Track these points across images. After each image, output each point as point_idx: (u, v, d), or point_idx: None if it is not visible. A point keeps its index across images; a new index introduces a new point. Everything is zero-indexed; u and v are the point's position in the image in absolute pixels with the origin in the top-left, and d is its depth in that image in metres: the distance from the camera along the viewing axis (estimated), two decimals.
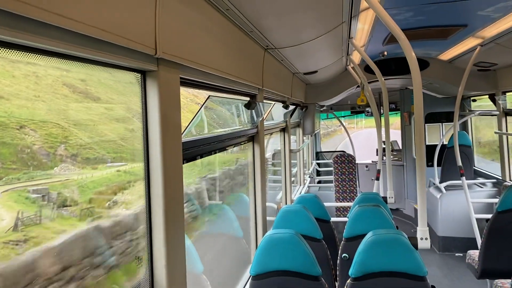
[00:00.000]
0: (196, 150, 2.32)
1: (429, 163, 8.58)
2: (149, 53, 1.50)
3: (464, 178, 6.24)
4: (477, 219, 6.11)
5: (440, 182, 7.80)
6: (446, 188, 7.48)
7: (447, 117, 9.55)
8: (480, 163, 8.77)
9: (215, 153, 2.86)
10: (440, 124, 9.79)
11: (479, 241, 5.89)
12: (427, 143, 9.66)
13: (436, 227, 7.44)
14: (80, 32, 1.13)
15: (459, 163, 6.18)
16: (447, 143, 8.54)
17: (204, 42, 2.14)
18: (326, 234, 4.01)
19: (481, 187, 7.57)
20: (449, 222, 7.28)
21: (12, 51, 1.02)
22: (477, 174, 8.37)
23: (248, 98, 3.46)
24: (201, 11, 2.03)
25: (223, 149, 3.06)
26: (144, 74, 1.63)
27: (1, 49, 0.99)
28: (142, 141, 1.66)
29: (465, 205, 6.34)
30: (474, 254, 4.86)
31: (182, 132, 1.93)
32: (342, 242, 3.62)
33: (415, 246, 2.68)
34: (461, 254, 7.10)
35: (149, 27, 1.49)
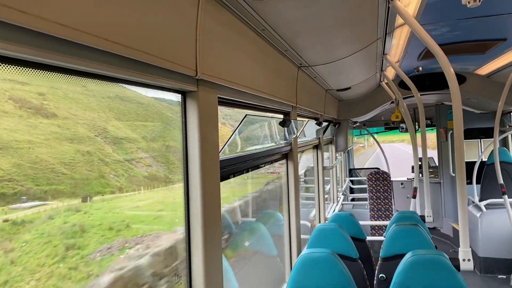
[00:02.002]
0: (232, 168, 2.34)
1: (468, 180, 8.29)
2: (190, 74, 1.54)
3: (506, 196, 5.98)
4: None
5: (480, 200, 7.51)
6: (487, 206, 7.19)
7: (485, 133, 9.25)
8: None
9: (250, 170, 2.87)
10: (479, 140, 9.48)
11: None
12: (465, 160, 9.35)
13: (476, 247, 7.14)
14: (127, 56, 1.18)
15: (501, 180, 5.95)
16: (486, 159, 8.25)
17: (241, 61, 2.18)
18: (362, 254, 3.93)
19: None
20: (491, 242, 6.97)
21: (72, 76, 1.09)
22: None
23: (282, 116, 3.48)
24: (238, 32, 2.08)
25: (257, 166, 3.08)
26: (184, 94, 1.68)
27: (51, 73, 1.05)
28: (182, 160, 1.70)
29: (507, 224, 6.07)
30: None
31: (219, 150, 1.97)
32: (379, 262, 3.53)
33: (457, 267, 2.58)
34: (505, 276, 6.77)
35: (190, 50, 1.53)
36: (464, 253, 2.64)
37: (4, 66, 0.91)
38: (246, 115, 2.46)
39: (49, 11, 0.88)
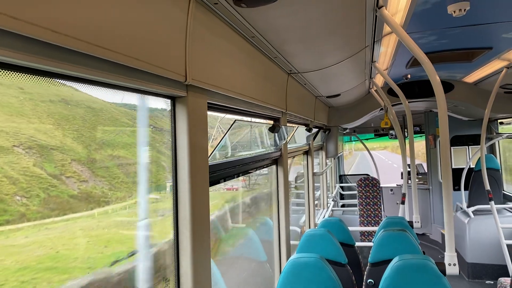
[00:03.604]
0: (221, 173, 2.36)
1: (456, 187, 8.40)
2: (180, 80, 1.57)
3: (493, 202, 6.07)
4: (508, 245, 5.90)
5: (468, 207, 7.60)
6: (474, 212, 7.28)
7: (474, 140, 9.37)
8: (510, 186, 8.52)
9: (240, 176, 2.89)
10: (467, 147, 9.60)
11: (510, 268, 5.68)
12: (453, 167, 9.47)
13: (464, 253, 7.22)
14: (116, 61, 1.20)
15: (487, 187, 6.03)
16: (474, 166, 8.36)
17: (230, 68, 2.20)
18: (351, 259, 3.96)
19: (511, 212, 7.34)
20: (478, 248, 7.05)
21: (63, 81, 1.10)
22: (507, 198, 8.13)
23: (272, 122, 3.51)
24: (228, 38, 2.11)
25: (247, 172, 3.10)
26: (174, 100, 1.70)
27: (48, 78, 1.06)
28: (171, 164, 1.71)
29: (494, 231, 6.15)
30: (506, 281, 4.68)
31: (209, 155, 1.98)
32: (368, 267, 3.56)
33: (443, 272, 2.61)
34: (492, 282, 6.84)
35: (180, 55, 1.56)
36: (449, 257, 2.68)
37: None
38: (235, 120, 2.48)
39: (40, 17, 0.90)
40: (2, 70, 0.93)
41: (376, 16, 2.61)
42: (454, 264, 2.65)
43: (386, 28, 3.12)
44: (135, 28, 1.28)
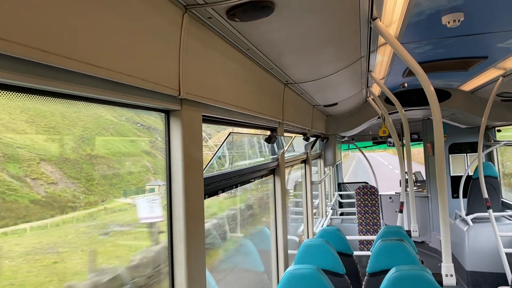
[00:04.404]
0: (217, 185, 2.36)
1: (455, 194, 8.39)
2: (173, 94, 1.57)
3: (491, 210, 6.06)
4: (507, 253, 5.88)
5: (467, 214, 7.58)
6: (473, 220, 7.26)
7: (472, 148, 9.38)
8: (508, 194, 8.51)
9: (236, 187, 2.89)
10: (465, 154, 9.61)
11: (509, 276, 5.65)
12: (452, 174, 9.46)
13: (463, 261, 7.19)
14: (109, 78, 1.20)
15: (485, 195, 6.02)
16: (472, 174, 8.36)
17: (225, 80, 2.21)
18: (349, 269, 3.94)
19: (510, 220, 7.32)
20: (478, 256, 7.02)
21: (56, 99, 1.11)
22: (505, 206, 8.11)
23: (269, 132, 3.51)
24: (222, 52, 2.12)
25: (244, 183, 3.10)
26: (168, 113, 1.71)
27: (41, 96, 1.07)
28: (165, 178, 1.71)
29: (493, 239, 6.13)
30: None
31: (204, 168, 1.98)
32: (366, 277, 3.55)
33: (440, 283, 2.61)
34: None
35: (174, 70, 1.56)
36: (446, 268, 2.67)
37: None
38: (230, 132, 2.49)
39: (29, 37, 0.90)
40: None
41: (370, 27, 2.62)
42: (451, 275, 2.65)
43: (381, 39, 3.14)
44: (128, 45, 1.29)
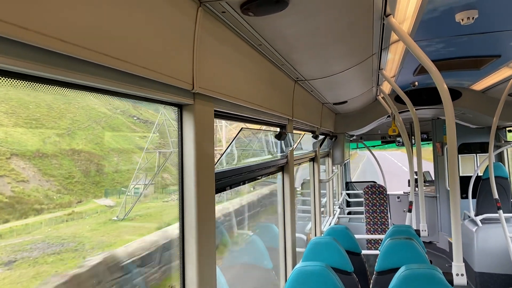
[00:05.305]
0: (227, 180, 2.35)
1: (464, 195, 8.32)
2: (187, 88, 1.57)
3: (501, 211, 6.00)
4: None
5: (476, 215, 7.52)
6: (482, 221, 7.20)
7: (482, 148, 9.30)
8: None
9: (246, 183, 2.89)
10: (475, 155, 9.53)
11: None
12: (461, 175, 9.39)
13: (472, 262, 7.13)
14: (125, 70, 1.20)
15: (496, 195, 5.97)
16: (482, 174, 8.29)
17: (237, 75, 2.21)
18: (357, 267, 3.93)
19: None
20: (487, 257, 6.96)
21: (71, 90, 1.11)
22: None
23: (278, 129, 3.50)
24: (235, 47, 2.11)
25: (253, 179, 3.09)
26: (181, 107, 1.71)
27: (67, 89, 1.07)
28: (178, 172, 1.72)
29: (503, 239, 6.07)
30: None
31: (215, 163, 1.98)
32: (374, 275, 3.53)
33: (451, 282, 2.59)
34: None
35: (188, 64, 1.56)
36: (457, 267, 2.65)
37: (5, 79, 0.93)
38: (241, 128, 2.48)
39: (49, 27, 0.91)
40: (9, 78, 0.94)
41: (383, 24, 2.60)
42: (462, 275, 2.62)
43: (394, 36, 3.11)
44: (143, 37, 1.29)
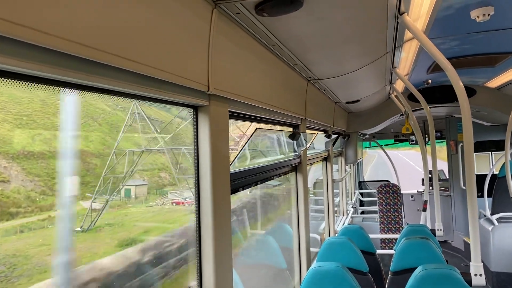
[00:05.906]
0: (242, 181, 2.36)
1: (479, 193, 8.20)
2: (202, 89, 1.58)
3: None
4: None
5: (492, 214, 7.41)
6: (498, 220, 7.09)
7: (497, 146, 9.17)
8: None
9: (260, 183, 2.89)
10: (490, 153, 9.40)
11: None
12: (476, 173, 9.26)
13: (488, 262, 7.03)
14: (141, 72, 1.22)
15: None
16: (497, 172, 8.16)
17: (251, 76, 2.21)
18: (372, 267, 3.90)
19: None
20: (503, 257, 6.85)
21: (88, 93, 1.12)
22: None
23: (291, 129, 3.50)
24: (249, 47, 2.12)
25: (267, 179, 3.09)
26: (196, 109, 1.72)
27: (66, 89, 1.08)
28: (194, 173, 1.73)
29: None
30: None
31: (230, 163, 1.99)
32: (389, 276, 3.51)
33: (469, 282, 2.55)
34: None
35: (203, 66, 1.57)
36: (475, 267, 2.62)
37: (15, 81, 0.92)
38: (256, 128, 2.49)
39: (63, 29, 0.92)
40: (17, 80, 0.93)
41: (397, 22, 2.58)
42: (481, 275, 2.59)
43: (408, 34, 3.09)
44: (159, 39, 1.30)
